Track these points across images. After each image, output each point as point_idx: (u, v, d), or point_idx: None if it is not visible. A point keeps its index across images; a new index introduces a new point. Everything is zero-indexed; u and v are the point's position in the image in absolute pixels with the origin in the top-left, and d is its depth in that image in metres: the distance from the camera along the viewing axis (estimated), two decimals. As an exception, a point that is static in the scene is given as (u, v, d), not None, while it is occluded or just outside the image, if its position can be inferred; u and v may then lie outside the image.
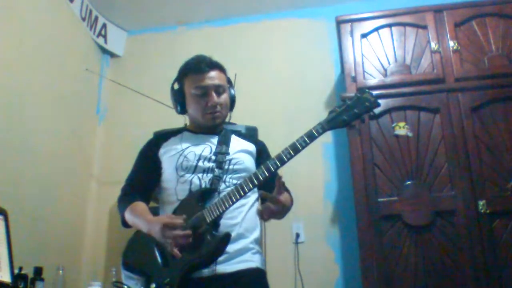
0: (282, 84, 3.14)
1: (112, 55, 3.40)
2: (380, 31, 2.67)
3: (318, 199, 2.82)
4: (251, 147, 1.71)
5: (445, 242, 2.21)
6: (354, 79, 2.57)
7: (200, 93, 1.62)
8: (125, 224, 1.62)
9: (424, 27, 2.61)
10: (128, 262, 1.56)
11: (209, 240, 1.42)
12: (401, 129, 2.42)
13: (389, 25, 2.67)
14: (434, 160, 2.34)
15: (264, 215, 1.42)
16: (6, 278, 1.63)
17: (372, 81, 2.56)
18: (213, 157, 1.60)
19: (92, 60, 3.21)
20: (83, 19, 3.09)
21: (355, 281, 2.54)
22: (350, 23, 2.70)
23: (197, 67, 1.64)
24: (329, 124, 1.45)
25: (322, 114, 2.92)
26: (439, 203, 2.27)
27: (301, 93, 3.08)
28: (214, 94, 1.62)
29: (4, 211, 1.75)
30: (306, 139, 1.42)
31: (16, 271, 1.82)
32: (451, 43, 2.53)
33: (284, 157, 1.40)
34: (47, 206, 2.54)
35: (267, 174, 1.41)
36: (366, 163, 2.38)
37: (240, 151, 1.65)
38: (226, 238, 1.43)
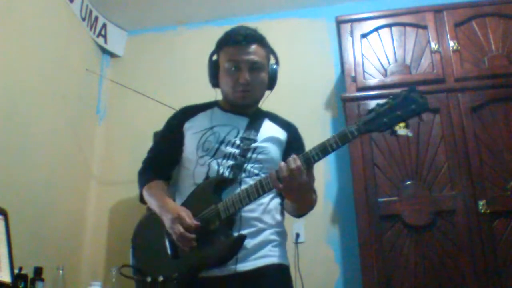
0: (282, 84, 3.10)
1: (112, 55, 3.40)
2: (380, 31, 2.67)
3: (318, 198, 2.80)
4: (282, 135, 1.57)
5: (445, 242, 2.21)
6: (354, 79, 2.58)
7: (233, 68, 1.49)
8: (142, 200, 1.56)
9: (424, 27, 2.61)
10: (137, 246, 1.51)
11: (223, 241, 1.34)
12: (401, 129, 2.42)
13: (389, 25, 2.67)
14: (434, 160, 2.34)
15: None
16: (6, 278, 1.63)
17: (372, 81, 2.56)
18: (238, 142, 1.48)
19: (92, 60, 3.21)
20: (83, 19, 3.09)
21: (355, 281, 2.53)
22: (350, 23, 2.70)
23: (233, 39, 1.51)
24: (366, 126, 1.24)
25: (321, 114, 3.01)
26: (439, 203, 2.27)
27: (301, 93, 3.07)
28: (247, 71, 1.48)
29: (4, 211, 1.74)
30: (338, 140, 1.25)
31: (16, 271, 1.82)
32: (451, 43, 2.53)
33: (311, 159, 1.27)
34: (47, 206, 2.54)
35: None
36: (366, 163, 2.38)
37: (268, 140, 1.51)
38: (240, 241, 1.34)
